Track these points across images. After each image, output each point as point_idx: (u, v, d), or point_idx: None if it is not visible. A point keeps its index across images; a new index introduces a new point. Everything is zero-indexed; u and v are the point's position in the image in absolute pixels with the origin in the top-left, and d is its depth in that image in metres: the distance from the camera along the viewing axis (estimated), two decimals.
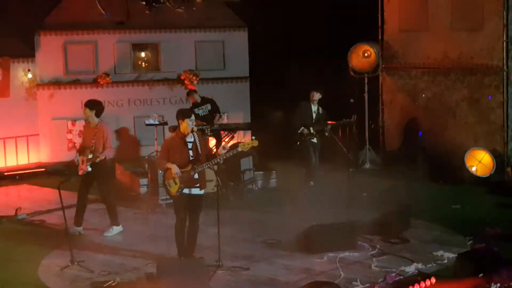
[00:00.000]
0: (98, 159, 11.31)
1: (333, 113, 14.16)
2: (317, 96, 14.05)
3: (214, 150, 15.06)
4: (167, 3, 6.04)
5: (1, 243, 11.53)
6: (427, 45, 16.40)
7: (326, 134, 13.83)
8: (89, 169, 11.39)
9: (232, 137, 16.00)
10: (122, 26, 17.32)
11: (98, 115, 11.60)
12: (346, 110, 14.81)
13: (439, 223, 11.95)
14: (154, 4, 5.74)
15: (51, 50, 17.34)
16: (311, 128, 13.89)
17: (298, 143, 13.93)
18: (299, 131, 13.88)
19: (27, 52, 17.10)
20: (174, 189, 9.72)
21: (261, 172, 15.16)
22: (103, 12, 5.70)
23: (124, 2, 5.40)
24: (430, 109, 16.46)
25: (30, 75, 17.07)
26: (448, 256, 10.11)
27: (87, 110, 11.58)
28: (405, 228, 11.32)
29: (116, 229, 11.84)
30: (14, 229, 12.22)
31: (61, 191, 10.14)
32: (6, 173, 16.39)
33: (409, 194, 12.57)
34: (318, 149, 14.15)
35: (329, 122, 13.99)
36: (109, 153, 11.54)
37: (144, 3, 5.70)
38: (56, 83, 17.42)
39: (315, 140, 13.99)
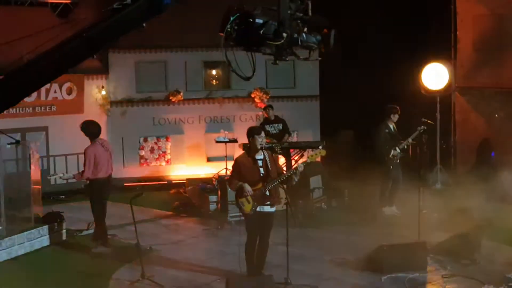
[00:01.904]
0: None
1: (404, 132, 13.95)
2: (397, 117, 13.85)
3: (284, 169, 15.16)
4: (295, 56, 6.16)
5: (73, 256, 11.79)
6: (501, 64, 16.11)
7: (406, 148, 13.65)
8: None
9: (302, 155, 15.98)
10: (194, 44, 17.56)
11: (88, 136, 11.76)
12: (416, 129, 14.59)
13: None
14: (283, 58, 5.88)
15: (124, 68, 17.73)
16: (397, 148, 13.60)
17: (392, 167, 13.68)
18: (390, 155, 13.58)
19: (101, 70, 17.49)
20: (248, 207, 9.65)
21: (330, 191, 15.06)
22: (231, 68, 5.86)
23: (251, 60, 5.55)
24: (504, 129, 16.14)
25: (103, 92, 17.44)
26: None
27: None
28: (476, 249, 11.11)
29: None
30: (86, 243, 12.41)
31: (133, 206, 10.27)
32: (79, 188, 16.68)
33: (481, 215, 12.35)
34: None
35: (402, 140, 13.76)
36: (86, 174, 11.73)
37: (271, 56, 5.84)
38: (129, 100, 17.76)
39: (398, 160, 13.74)
